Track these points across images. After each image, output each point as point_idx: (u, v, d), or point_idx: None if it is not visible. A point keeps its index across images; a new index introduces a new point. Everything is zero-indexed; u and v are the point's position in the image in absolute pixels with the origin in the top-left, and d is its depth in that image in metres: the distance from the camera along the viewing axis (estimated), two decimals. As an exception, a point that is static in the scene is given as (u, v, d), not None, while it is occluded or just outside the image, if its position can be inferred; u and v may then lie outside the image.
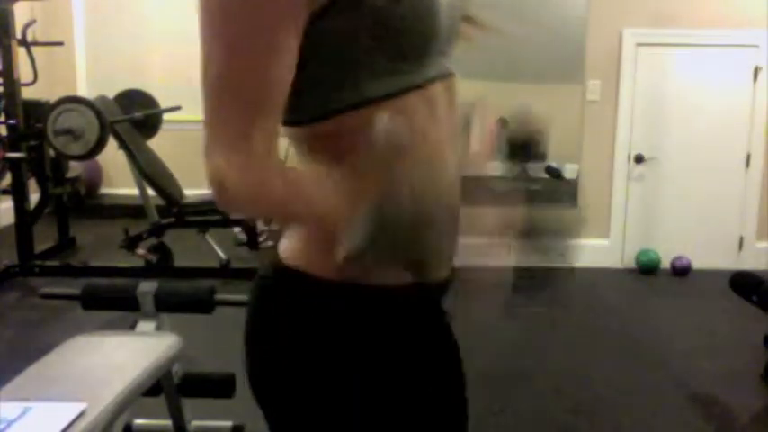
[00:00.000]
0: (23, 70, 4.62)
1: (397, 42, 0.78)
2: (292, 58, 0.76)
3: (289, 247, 0.87)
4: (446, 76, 0.86)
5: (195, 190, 4.90)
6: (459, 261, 0.94)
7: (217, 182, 0.76)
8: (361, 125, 0.77)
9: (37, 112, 4.58)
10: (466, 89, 0.96)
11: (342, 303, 0.82)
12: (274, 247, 0.90)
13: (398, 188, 0.73)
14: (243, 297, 2.26)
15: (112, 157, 4.81)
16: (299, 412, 0.87)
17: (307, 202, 0.81)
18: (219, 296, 2.04)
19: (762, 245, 4.84)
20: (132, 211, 5.24)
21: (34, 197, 4.80)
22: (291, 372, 0.85)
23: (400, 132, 0.74)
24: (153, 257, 4.49)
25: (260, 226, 4.85)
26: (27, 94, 4.64)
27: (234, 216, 4.87)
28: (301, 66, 0.77)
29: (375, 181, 0.74)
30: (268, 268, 0.89)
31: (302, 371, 0.84)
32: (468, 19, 0.94)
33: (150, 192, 4.53)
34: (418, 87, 0.81)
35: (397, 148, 0.73)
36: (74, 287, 2.05)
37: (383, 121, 0.74)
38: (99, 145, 4.18)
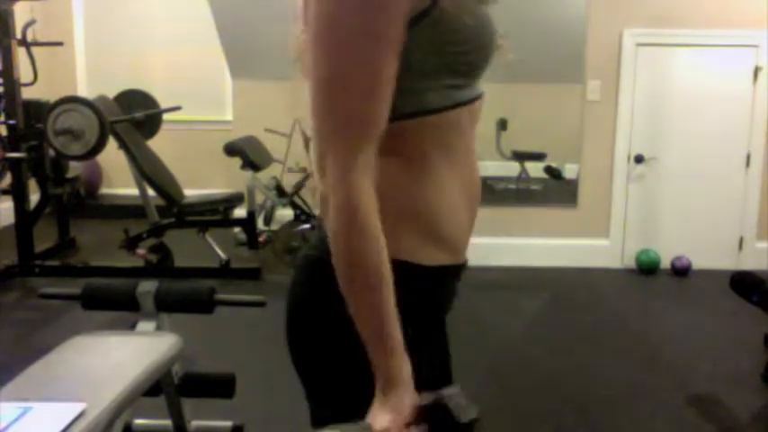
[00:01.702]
0: (23, 70, 4.62)
1: (460, 60, 0.89)
2: (397, 63, 0.83)
3: None
4: (481, 95, 0.97)
5: (195, 190, 4.91)
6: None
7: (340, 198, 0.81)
8: (418, 131, 0.89)
9: (37, 112, 4.58)
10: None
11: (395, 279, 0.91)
12: (321, 228, 0.95)
13: None
14: (243, 297, 2.28)
15: (112, 157, 4.81)
16: (345, 372, 0.95)
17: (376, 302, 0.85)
18: (219, 296, 2.04)
19: (762, 245, 4.84)
20: (132, 211, 5.24)
21: (34, 197, 4.80)
22: (344, 337, 0.91)
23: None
24: (153, 257, 4.49)
25: (260, 226, 4.86)
26: (27, 94, 4.64)
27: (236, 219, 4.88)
28: None
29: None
30: (317, 246, 0.95)
31: (356, 337, 0.91)
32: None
33: (150, 192, 4.53)
34: (468, 102, 0.93)
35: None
36: (74, 287, 2.05)
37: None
38: (99, 145, 4.18)
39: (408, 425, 0.84)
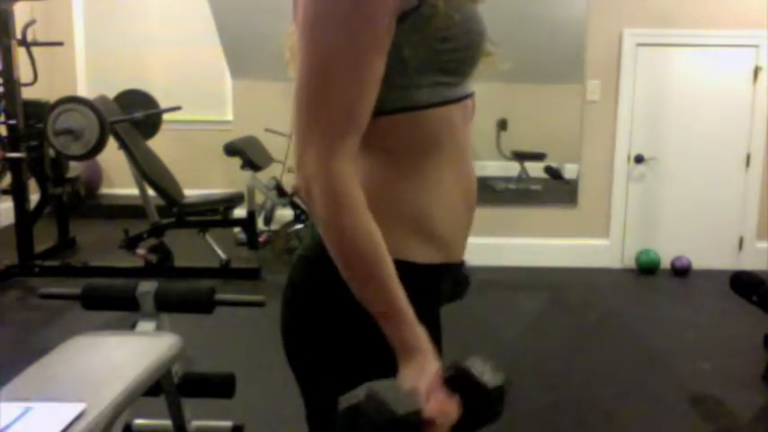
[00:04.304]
0: (23, 70, 4.62)
1: (449, 57, 0.89)
2: (384, 59, 0.84)
3: None
4: (472, 94, 0.97)
5: (195, 190, 4.91)
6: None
7: (315, 186, 0.82)
8: (408, 127, 0.89)
9: (37, 112, 4.58)
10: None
11: None
12: (314, 227, 0.95)
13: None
14: (243, 297, 2.28)
15: (112, 157, 4.81)
16: (342, 369, 0.94)
17: (380, 270, 0.84)
18: (219, 296, 2.04)
19: (762, 245, 4.84)
20: (132, 211, 5.24)
21: (34, 197, 4.80)
22: (340, 335, 0.93)
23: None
24: (153, 257, 4.49)
25: (260, 226, 4.86)
26: (27, 94, 4.64)
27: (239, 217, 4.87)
28: None
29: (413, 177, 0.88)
30: (312, 247, 0.95)
31: (351, 336, 0.92)
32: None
33: (150, 192, 4.53)
34: (458, 100, 0.93)
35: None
36: (74, 287, 2.05)
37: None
38: (99, 145, 4.18)
39: (436, 389, 0.81)
